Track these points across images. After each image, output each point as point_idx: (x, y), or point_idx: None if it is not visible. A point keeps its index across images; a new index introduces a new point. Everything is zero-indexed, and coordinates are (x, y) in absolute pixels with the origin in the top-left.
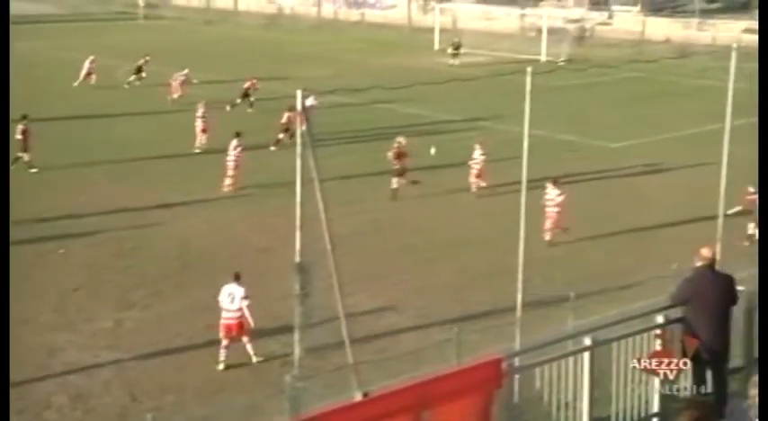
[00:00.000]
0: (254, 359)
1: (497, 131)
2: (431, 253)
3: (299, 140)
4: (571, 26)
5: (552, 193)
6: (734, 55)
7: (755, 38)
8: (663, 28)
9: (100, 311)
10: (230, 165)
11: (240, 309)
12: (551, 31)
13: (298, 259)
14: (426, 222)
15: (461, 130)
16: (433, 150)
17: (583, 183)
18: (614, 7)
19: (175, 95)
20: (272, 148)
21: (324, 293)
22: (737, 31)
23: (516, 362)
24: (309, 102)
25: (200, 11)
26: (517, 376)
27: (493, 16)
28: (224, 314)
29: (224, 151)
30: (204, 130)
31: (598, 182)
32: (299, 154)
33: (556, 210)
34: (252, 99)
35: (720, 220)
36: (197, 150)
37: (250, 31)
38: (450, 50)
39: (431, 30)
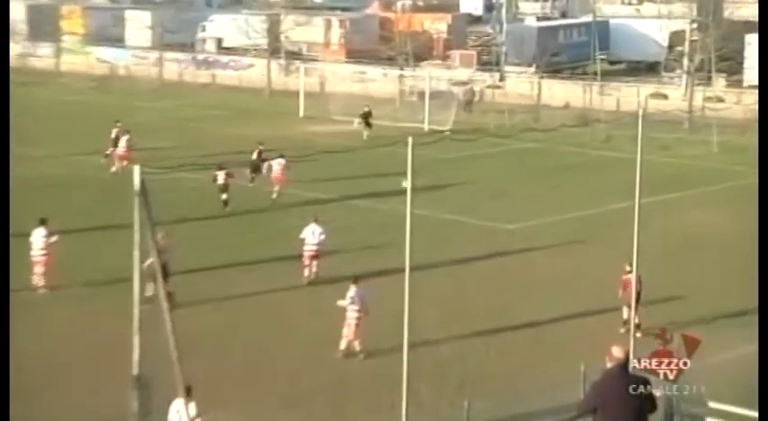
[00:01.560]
0: None
1: (375, 211)
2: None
3: (136, 227)
4: (458, 89)
5: (353, 295)
6: (640, 123)
7: (664, 103)
8: (561, 92)
9: None
10: (39, 259)
11: None
12: (435, 95)
13: (135, 371)
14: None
15: (331, 211)
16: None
17: (472, 271)
18: (506, 68)
19: None
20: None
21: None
22: (643, 96)
23: None
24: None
25: (14, 70)
26: None
27: (367, 77)
28: None
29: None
30: None
31: (490, 269)
32: (137, 243)
33: (355, 316)
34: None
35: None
36: None
37: (78, 96)
38: (357, 122)
39: (294, 94)
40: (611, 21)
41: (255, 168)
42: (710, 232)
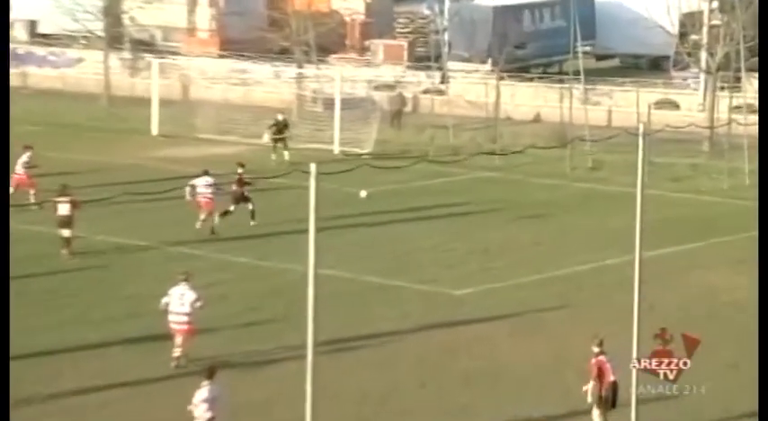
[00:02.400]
0: None
1: (261, 271)
2: None
3: None
4: (381, 96)
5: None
6: (642, 144)
7: (675, 115)
8: (528, 99)
9: None
10: None
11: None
12: (349, 104)
13: None
14: None
15: (202, 271)
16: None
17: (406, 355)
18: (451, 65)
19: None
20: None
21: None
22: (645, 104)
23: None
24: None
25: None
26: None
27: (251, 79)
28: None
29: None
30: None
31: (432, 352)
32: None
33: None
34: None
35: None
36: None
37: None
38: (267, 137)
39: (144, 102)
40: None
41: (238, 199)
42: (740, 300)
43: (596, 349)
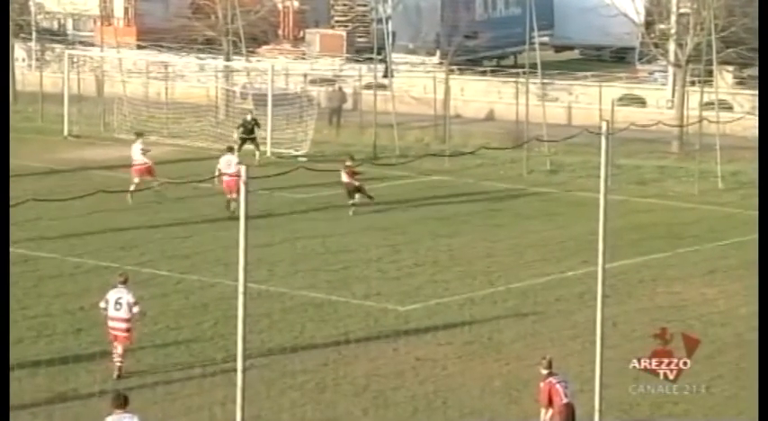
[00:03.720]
0: None
1: (185, 284)
2: None
3: None
4: (318, 91)
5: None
6: (605, 144)
7: (641, 112)
8: (480, 94)
9: None
10: None
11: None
12: (282, 100)
13: None
14: None
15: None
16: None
17: (347, 378)
18: (395, 57)
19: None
20: None
21: None
22: (609, 100)
23: None
24: None
25: None
26: None
27: (173, 73)
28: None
29: None
30: None
31: (379, 368)
32: None
33: None
34: None
35: None
36: None
37: None
38: (236, 135)
39: (54, 98)
40: None
41: (352, 191)
42: (710, 314)
43: (544, 371)
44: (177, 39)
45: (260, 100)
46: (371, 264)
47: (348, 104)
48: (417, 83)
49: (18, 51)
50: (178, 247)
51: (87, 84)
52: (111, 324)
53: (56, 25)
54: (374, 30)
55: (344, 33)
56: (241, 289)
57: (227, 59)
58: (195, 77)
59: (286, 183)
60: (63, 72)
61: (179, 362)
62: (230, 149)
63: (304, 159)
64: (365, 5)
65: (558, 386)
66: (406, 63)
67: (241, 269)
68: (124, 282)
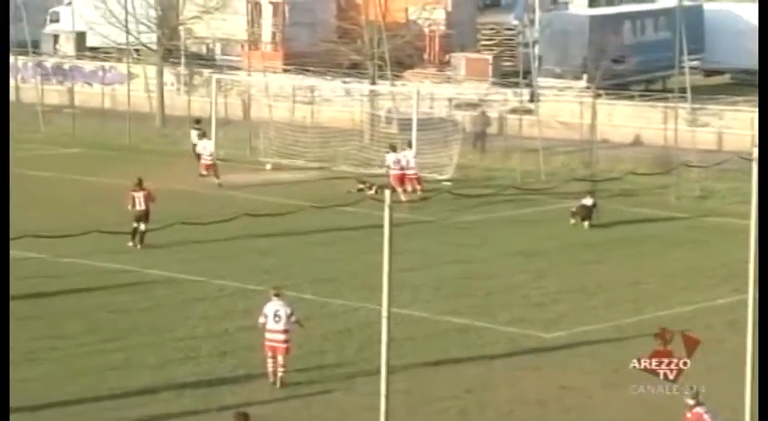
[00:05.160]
0: None
1: (333, 310)
2: None
3: None
4: (464, 115)
5: None
6: (755, 170)
7: None
8: (628, 119)
9: None
10: None
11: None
12: (427, 125)
13: None
14: None
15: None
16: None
17: (492, 401)
18: (541, 81)
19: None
20: None
21: None
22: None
23: None
24: None
25: None
26: None
27: (319, 97)
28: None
29: None
30: None
31: (523, 396)
32: None
33: None
34: None
35: None
36: None
37: None
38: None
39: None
40: (707, 7)
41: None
42: None
43: (691, 401)
44: (323, 63)
45: (405, 124)
46: (515, 290)
47: (493, 129)
48: (563, 107)
49: (167, 76)
50: (322, 271)
51: (234, 108)
52: (269, 336)
53: (204, 50)
54: (520, 53)
55: (490, 57)
56: (385, 313)
57: (373, 83)
58: (340, 102)
59: (430, 208)
60: (210, 96)
61: (322, 387)
62: (393, 148)
63: (448, 184)
64: (512, 29)
65: (705, 416)
66: (553, 87)
67: (385, 294)
68: (278, 295)
